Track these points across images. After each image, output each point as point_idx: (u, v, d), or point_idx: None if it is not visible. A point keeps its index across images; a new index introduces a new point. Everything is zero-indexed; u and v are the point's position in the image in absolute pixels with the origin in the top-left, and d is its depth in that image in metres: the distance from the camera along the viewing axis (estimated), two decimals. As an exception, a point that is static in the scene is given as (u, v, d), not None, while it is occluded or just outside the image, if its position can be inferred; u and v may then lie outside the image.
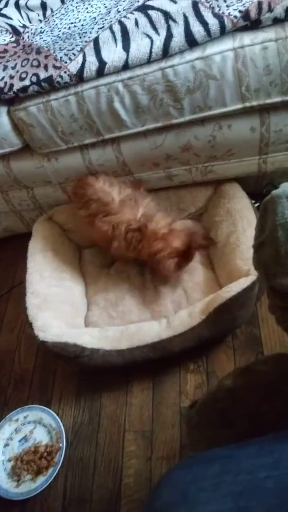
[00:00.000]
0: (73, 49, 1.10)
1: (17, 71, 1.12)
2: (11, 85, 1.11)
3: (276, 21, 0.97)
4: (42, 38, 1.22)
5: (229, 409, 0.65)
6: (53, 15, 1.33)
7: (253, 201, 1.29)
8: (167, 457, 1.09)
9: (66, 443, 1.15)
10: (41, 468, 1.12)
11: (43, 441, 1.17)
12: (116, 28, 1.08)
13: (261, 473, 0.41)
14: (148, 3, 1.08)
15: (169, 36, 1.01)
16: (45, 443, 1.16)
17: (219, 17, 0.98)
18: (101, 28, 1.12)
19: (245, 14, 0.96)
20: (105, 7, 1.23)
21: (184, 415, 1.13)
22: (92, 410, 1.21)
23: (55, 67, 1.09)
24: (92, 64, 1.05)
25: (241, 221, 1.21)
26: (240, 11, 0.97)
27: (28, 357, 1.38)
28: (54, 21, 1.28)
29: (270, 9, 0.96)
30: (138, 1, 1.12)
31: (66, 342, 1.08)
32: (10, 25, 1.31)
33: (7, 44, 1.25)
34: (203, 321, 1.07)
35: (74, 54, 1.09)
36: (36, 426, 1.20)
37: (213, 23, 0.98)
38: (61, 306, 1.23)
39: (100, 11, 1.22)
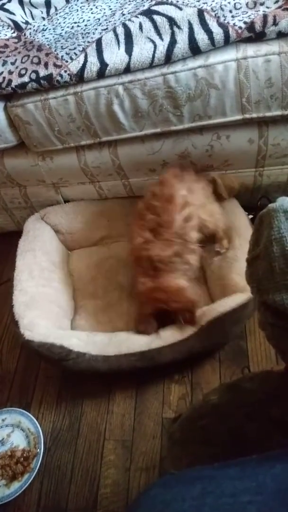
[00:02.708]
0: (75, 48, 1.09)
1: (17, 67, 1.10)
2: (10, 81, 1.09)
3: (281, 35, 0.97)
4: (44, 35, 1.21)
5: (212, 427, 0.64)
6: (56, 14, 1.31)
7: (247, 213, 1.28)
8: (146, 468, 1.07)
9: (43, 448, 1.12)
10: (16, 474, 1.09)
11: (20, 445, 1.14)
12: (120, 30, 1.06)
13: (244, 497, 0.40)
14: (153, 8, 1.07)
15: (172, 42, 1.00)
16: (22, 448, 1.13)
17: (224, 26, 0.97)
18: (104, 29, 1.11)
19: (250, 26, 0.96)
20: (110, 9, 1.22)
21: (166, 427, 1.11)
22: (72, 416, 1.19)
23: (55, 65, 1.07)
24: (93, 65, 1.04)
25: (239, 238, 1.20)
26: (245, 22, 0.97)
27: (10, 358, 1.35)
28: (58, 19, 1.27)
29: (275, 23, 0.95)
30: (144, 5, 1.11)
31: (53, 343, 1.05)
32: (13, 21, 1.29)
33: (8, 39, 1.23)
34: (195, 334, 1.05)
35: (75, 54, 1.07)
36: (14, 429, 1.17)
37: (217, 32, 0.97)
38: (48, 306, 1.21)
39: (104, 12, 1.21)
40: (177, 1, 1.07)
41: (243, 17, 0.98)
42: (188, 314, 1.07)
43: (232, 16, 0.99)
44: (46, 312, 1.18)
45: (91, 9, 1.25)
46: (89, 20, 1.20)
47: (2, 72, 1.11)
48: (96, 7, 1.24)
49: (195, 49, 0.99)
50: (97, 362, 1.08)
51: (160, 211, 1.12)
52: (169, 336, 1.07)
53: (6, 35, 1.25)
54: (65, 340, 1.08)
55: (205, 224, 1.18)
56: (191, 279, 1.16)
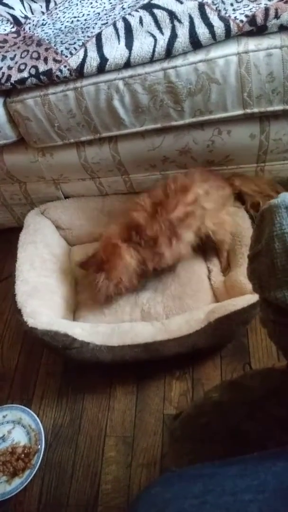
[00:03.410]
0: (74, 43, 1.08)
1: (16, 62, 1.09)
2: (9, 76, 1.08)
3: (282, 28, 0.95)
4: (43, 30, 1.20)
5: (214, 424, 0.63)
6: (56, 8, 1.30)
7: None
8: (147, 464, 1.07)
9: (44, 445, 1.12)
10: (17, 470, 1.09)
11: (21, 442, 1.14)
12: (120, 25, 1.05)
13: (246, 495, 0.39)
14: (153, 1, 1.06)
15: (173, 36, 0.99)
16: (23, 444, 1.13)
17: (225, 20, 0.96)
18: (104, 24, 1.10)
19: (252, 19, 0.95)
20: (110, 3, 1.21)
21: (167, 423, 1.11)
22: (73, 412, 1.19)
23: (55, 60, 1.06)
24: (93, 60, 1.03)
25: (245, 240, 1.20)
26: (246, 16, 0.95)
27: (11, 354, 1.35)
28: (57, 14, 1.26)
29: (277, 16, 0.94)
30: (144, -1, 1.10)
31: (57, 331, 1.05)
32: (12, 15, 1.28)
33: (7, 34, 1.22)
34: (202, 330, 1.04)
35: (75, 49, 1.06)
36: (15, 426, 1.17)
37: (218, 26, 0.96)
38: (50, 296, 1.21)
39: (104, 6, 1.20)
40: (178, -5, 1.06)
41: (244, 10, 0.96)
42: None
43: (233, 10, 0.97)
44: (48, 302, 1.18)
45: (91, 3, 1.23)
46: (89, 15, 1.19)
47: (1, 68, 1.10)
48: (96, 1, 1.23)
49: (196, 43, 0.98)
50: (101, 352, 1.07)
51: (170, 194, 1.12)
52: (175, 329, 1.07)
53: (5, 30, 1.24)
54: (69, 329, 1.07)
55: (212, 231, 1.17)
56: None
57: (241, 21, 0.96)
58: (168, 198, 1.12)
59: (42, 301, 1.16)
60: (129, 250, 1.14)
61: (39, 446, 1.11)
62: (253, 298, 1.02)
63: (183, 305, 1.20)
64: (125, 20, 1.06)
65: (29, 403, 1.23)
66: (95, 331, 1.11)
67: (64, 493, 1.07)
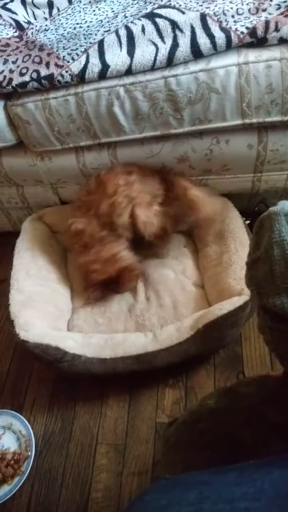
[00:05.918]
0: (77, 49, 1.09)
1: (18, 66, 1.10)
2: (10, 80, 1.09)
3: (282, 41, 0.97)
4: (46, 35, 1.20)
5: (209, 431, 0.63)
6: (59, 14, 1.31)
7: (244, 219, 1.28)
8: (139, 473, 1.05)
9: (35, 451, 1.10)
10: (6, 477, 1.07)
11: (11, 448, 1.12)
12: (122, 32, 1.06)
13: (242, 503, 0.39)
14: (156, 11, 1.08)
15: (174, 45, 1.00)
16: (13, 451, 1.11)
17: (226, 31, 0.98)
18: (107, 31, 1.11)
19: (252, 31, 0.97)
20: (113, 11, 1.22)
21: (160, 432, 1.10)
22: (64, 419, 1.17)
23: (57, 65, 1.07)
24: (95, 66, 1.04)
25: (234, 241, 1.20)
26: (247, 28, 0.97)
27: (3, 359, 1.33)
28: (60, 20, 1.27)
29: (277, 29, 0.96)
30: (146, 8, 1.11)
31: (48, 344, 1.05)
32: (15, 20, 1.29)
33: (9, 38, 1.22)
34: (191, 337, 1.04)
35: (77, 54, 1.07)
36: (5, 431, 1.15)
37: (219, 36, 0.97)
38: (45, 306, 1.20)
39: (107, 14, 1.21)
40: (180, 5, 1.07)
41: (245, 22, 0.98)
42: (127, 274, 1.15)
43: (235, 21, 0.99)
44: (42, 312, 1.17)
45: (94, 10, 1.25)
46: (91, 22, 1.20)
47: (3, 71, 1.10)
48: (99, 9, 1.25)
49: (197, 53, 0.99)
50: (92, 364, 1.07)
51: (92, 192, 1.19)
52: (165, 339, 1.06)
53: (8, 34, 1.24)
54: (61, 341, 1.07)
55: (136, 220, 1.17)
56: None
57: (242, 32, 0.97)
58: (91, 196, 1.19)
59: (36, 311, 1.15)
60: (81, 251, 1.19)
61: (29, 453, 1.10)
62: (240, 300, 1.02)
63: (177, 314, 1.19)
64: (127, 28, 1.07)
65: (20, 408, 1.21)
66: (88, 342, 1.10)
67: (54, 502, 1.05)
